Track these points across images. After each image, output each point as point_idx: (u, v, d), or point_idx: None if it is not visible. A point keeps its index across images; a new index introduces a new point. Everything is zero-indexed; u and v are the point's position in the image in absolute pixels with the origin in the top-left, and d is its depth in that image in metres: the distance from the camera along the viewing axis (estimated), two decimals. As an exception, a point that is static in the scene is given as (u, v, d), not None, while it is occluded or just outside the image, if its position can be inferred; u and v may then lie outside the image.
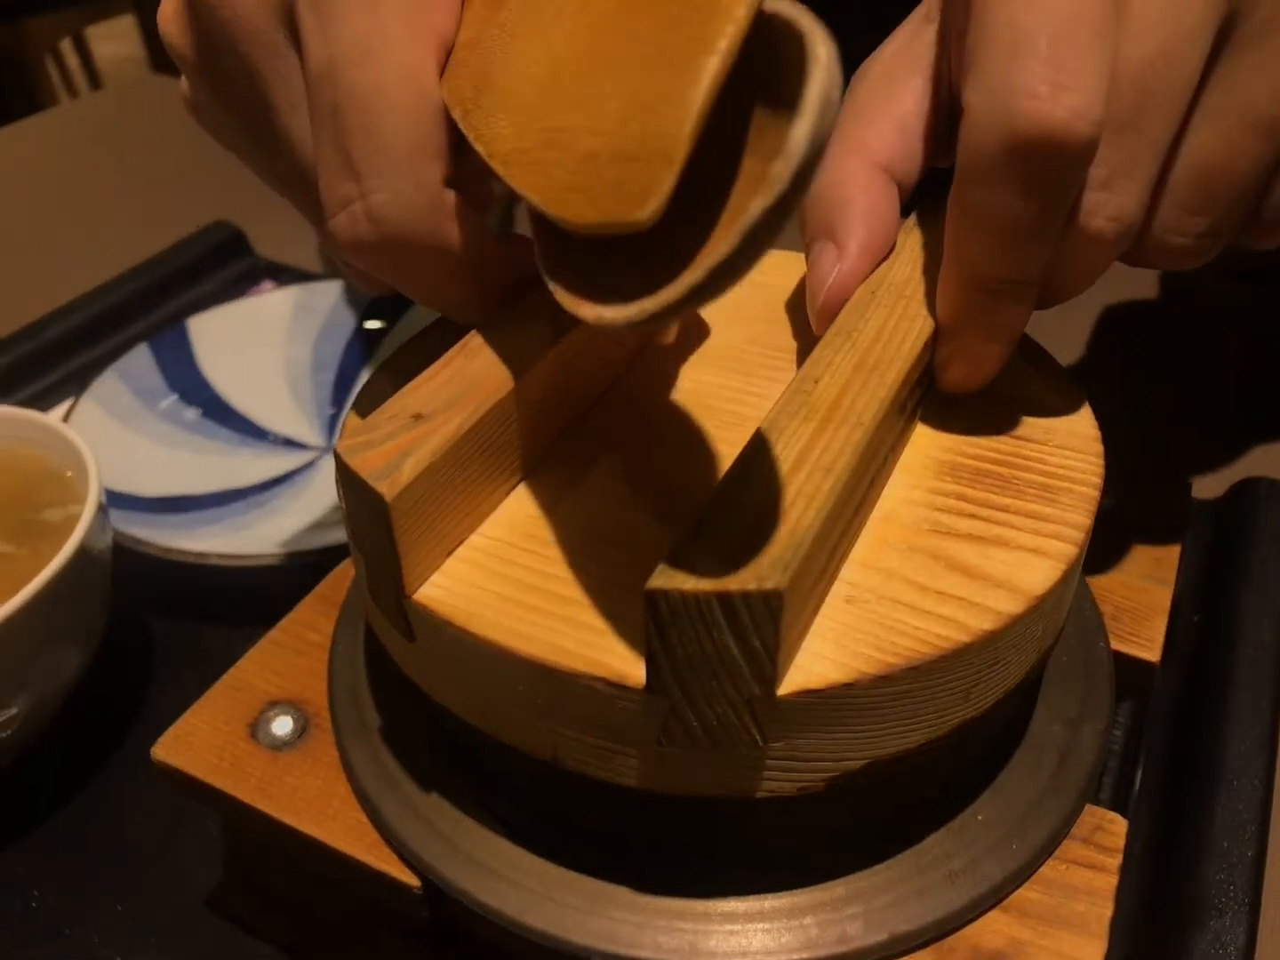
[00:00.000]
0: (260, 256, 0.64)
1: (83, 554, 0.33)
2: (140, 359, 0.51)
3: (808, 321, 0.27)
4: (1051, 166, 0.22)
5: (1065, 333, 0.54)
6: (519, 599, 0.22)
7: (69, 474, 0.38)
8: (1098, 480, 0.25)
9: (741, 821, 0.24)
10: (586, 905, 0.24)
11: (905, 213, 0.28)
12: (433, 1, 0.24)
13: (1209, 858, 0.29)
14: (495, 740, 0.23)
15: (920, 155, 0.27)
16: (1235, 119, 0.25)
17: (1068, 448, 0.26)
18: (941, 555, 0.23)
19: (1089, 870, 0.25)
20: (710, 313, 0.30)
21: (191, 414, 0.51)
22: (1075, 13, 0.22)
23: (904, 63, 0.27)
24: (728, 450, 0.26)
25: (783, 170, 0.15)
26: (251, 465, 0.48)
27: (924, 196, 0.29)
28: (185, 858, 0.34)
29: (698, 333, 0.30)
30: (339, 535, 0.41)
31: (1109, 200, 0.24)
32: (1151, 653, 0.31)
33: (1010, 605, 0.22)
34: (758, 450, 0.21)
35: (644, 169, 0.18)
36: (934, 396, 0.27)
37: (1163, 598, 0.33)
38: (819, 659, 0.21)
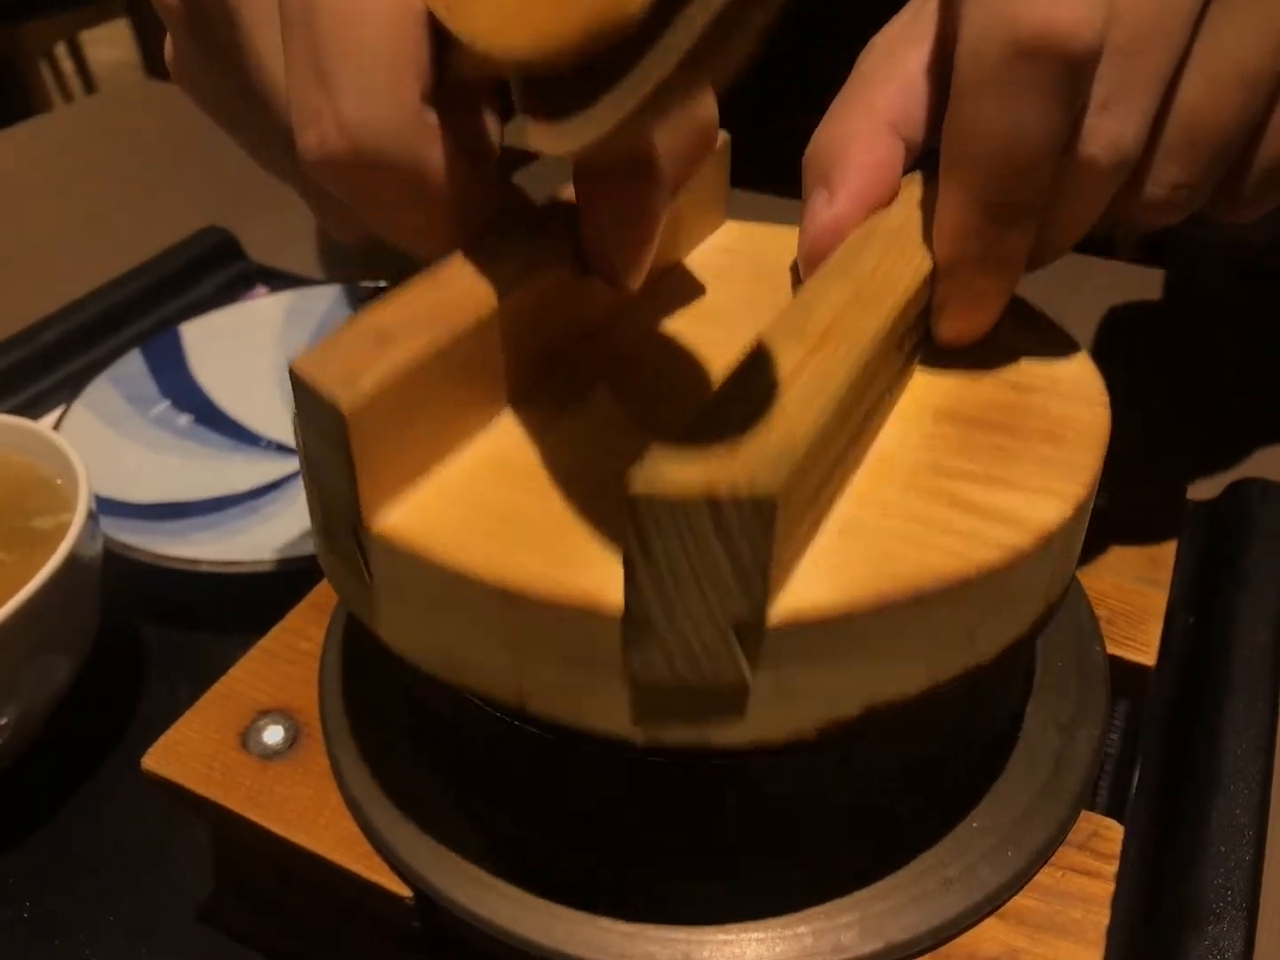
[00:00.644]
0: (253, 261, 0.64)
1: (73, 562, 0.33)
2: (132, 364, 0.51)
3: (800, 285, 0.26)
4: (1054, 71, 0.22)
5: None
6: (486, 527, 0.21)
7: (59, 481, 0.37)
8: (1105, 426, 0.24)
9: (724, 791, 0.23)
10: (578, 915, 0.24)
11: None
12: None
13: (1206, 862, 0.29)
14: (460, 692, 0.22)
15: (925, 117, 0.27)
16: (1221, 69, 0.24)
17: (1072, 396, 0.25)
18: (944, 492, 0.22)
19: (1085, 877, 0.25)
20: (700, 278, 0.30)
21: (184, 420, 0.50)
22: None
23: (908, 34, 0.28)
24: None
25: None
26: (244, 471, 0.48)
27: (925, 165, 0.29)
28: (177, 866, 0.33)
29: (688, 291, 0.29)
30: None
31: (1107, 126, 0.23)
32: (1147, 656, 0.31)
33: (1017, 539, 0.21)
34: (749, 367, 0.20)
35: None
36: (932, 350, 0.26)
37: (1158, 601, 0.32)
38: (812, 585, 0.19)
